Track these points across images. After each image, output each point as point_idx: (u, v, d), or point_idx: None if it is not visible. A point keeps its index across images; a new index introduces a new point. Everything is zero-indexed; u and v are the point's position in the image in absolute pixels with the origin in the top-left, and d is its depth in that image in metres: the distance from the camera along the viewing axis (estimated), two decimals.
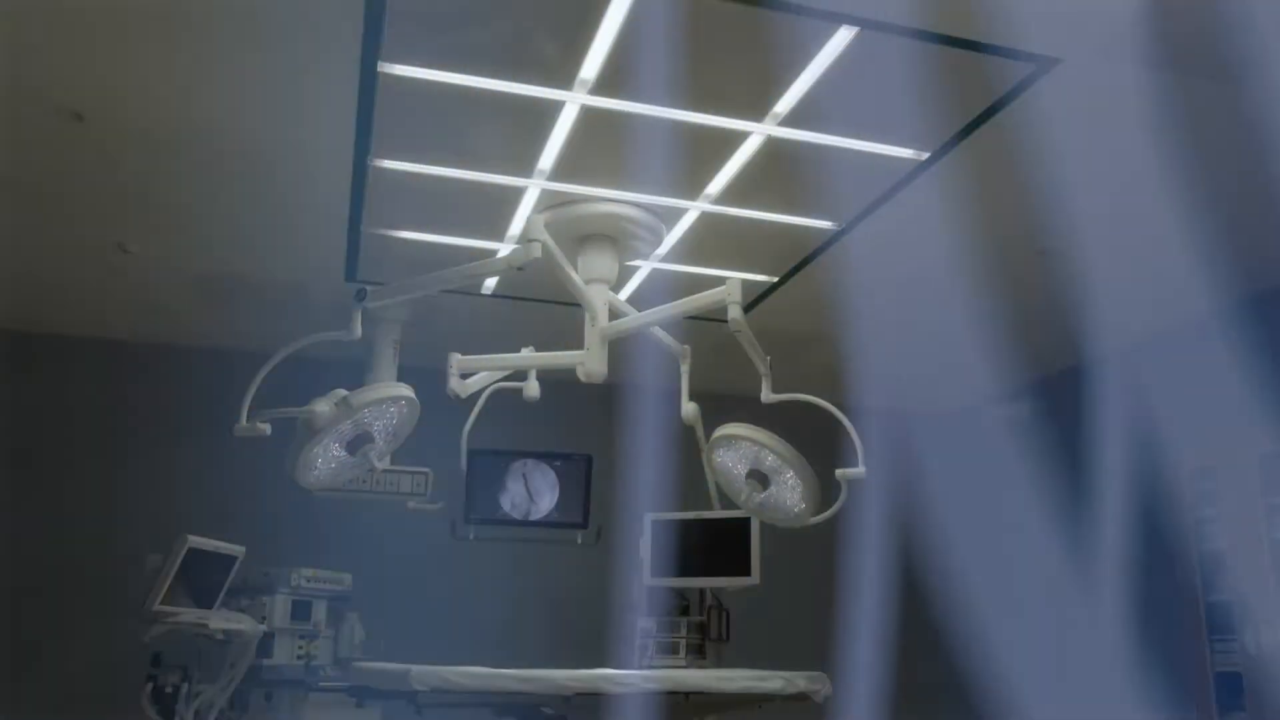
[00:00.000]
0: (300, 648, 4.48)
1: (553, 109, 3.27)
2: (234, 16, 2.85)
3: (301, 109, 3.32)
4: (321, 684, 4.45)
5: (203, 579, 3.99)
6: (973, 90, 3.17)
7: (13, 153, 3.62)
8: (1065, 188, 3.78)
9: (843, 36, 2.88)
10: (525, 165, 3.63)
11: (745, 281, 3.71)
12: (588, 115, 3.29)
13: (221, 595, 4.09)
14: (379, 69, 3.06)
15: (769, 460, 3.35)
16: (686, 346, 3.88)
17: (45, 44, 2.98)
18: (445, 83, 3.12)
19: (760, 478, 3.42)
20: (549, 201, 3.87)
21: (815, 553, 6.21)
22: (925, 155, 3.55)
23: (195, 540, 3.87)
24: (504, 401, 4.02)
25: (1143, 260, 4.44)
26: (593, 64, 3.01)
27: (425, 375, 3.88)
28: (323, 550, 5.29)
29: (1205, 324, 5.06)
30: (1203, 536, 4.55)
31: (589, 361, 3.62)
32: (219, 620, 4.01)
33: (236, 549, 4.09)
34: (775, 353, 3.66)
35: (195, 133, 3.46)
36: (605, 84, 3.12)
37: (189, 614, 3.90)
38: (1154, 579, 5.07)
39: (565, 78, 3.10)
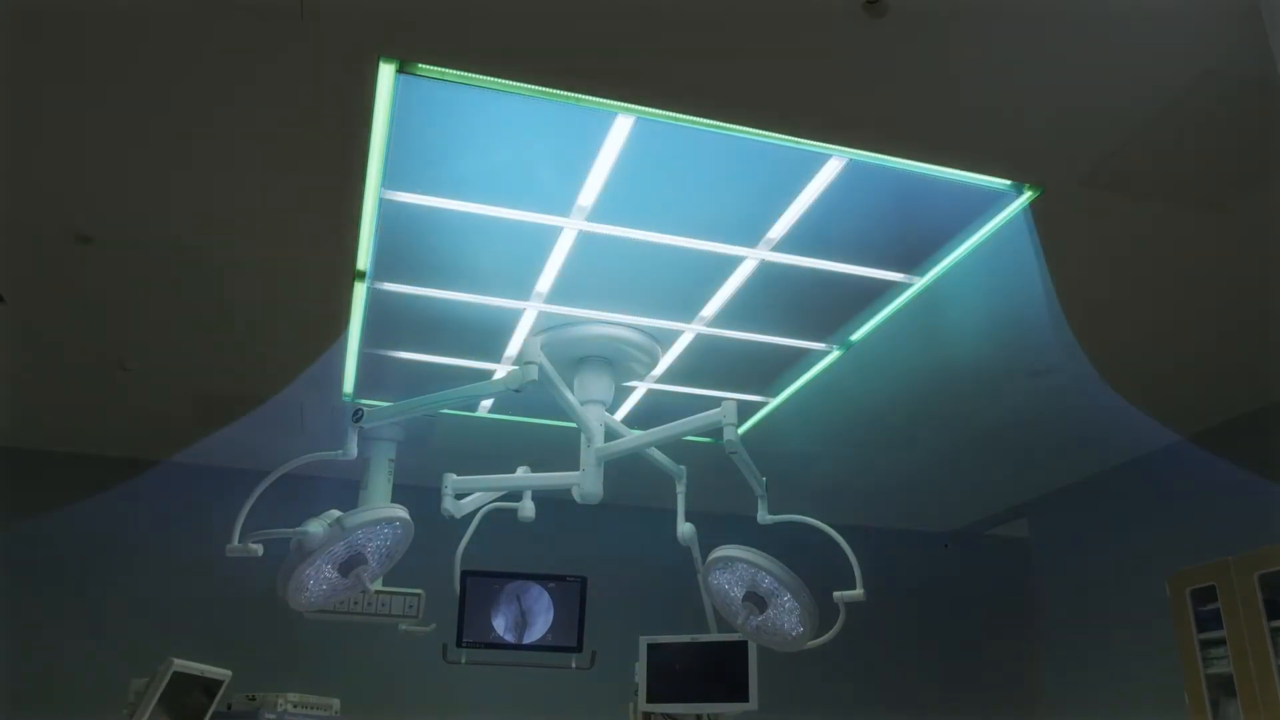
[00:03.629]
0: None
1: (550, 234, 3.35)
2: (241, 142, 2.94)
3: (303, 232, 3.39)
4: None
5: (187, 704, 3.89)
6: (959, 216, 3.26)
7: (18, 274, 3.68)
8: (1053, 310, 3.85)
9: (833, 166, 2.97)
10: (523, 289, 3.70)
11: (741, 402, 3.73)
12: (585, 240, 3.37)
13: None
14: (382, 195, 3.14)
15: (766, 583, 3.31)
16: (683, 467, 3.88)
17: (59, 170, 3.06)
18: (445, 209, 3.21)
19: (757, 600, 3.36)
20: (546, 324, 3.93)
21: (815, 677, 6.08)
22: (916, 278, 3.61)
23: (180, 664, 3.79)
24: (499, 522, 3.99)
25: (1134, 380, 4.48)
26: (590, 191, 3.10)
27: (419, 494, 3.86)
28: (311, 674, 5.18)
29: (1196, 444, 5.08)
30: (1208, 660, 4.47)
31: (584, 482, 3.61)
32: None
33: (223, 673, 4.00)
34: (772, 473, 3.66)
35: (197, 254, 3.53)
36: (602, 210, 3.20)
37: None
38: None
39: (563, 205, 3.18)
